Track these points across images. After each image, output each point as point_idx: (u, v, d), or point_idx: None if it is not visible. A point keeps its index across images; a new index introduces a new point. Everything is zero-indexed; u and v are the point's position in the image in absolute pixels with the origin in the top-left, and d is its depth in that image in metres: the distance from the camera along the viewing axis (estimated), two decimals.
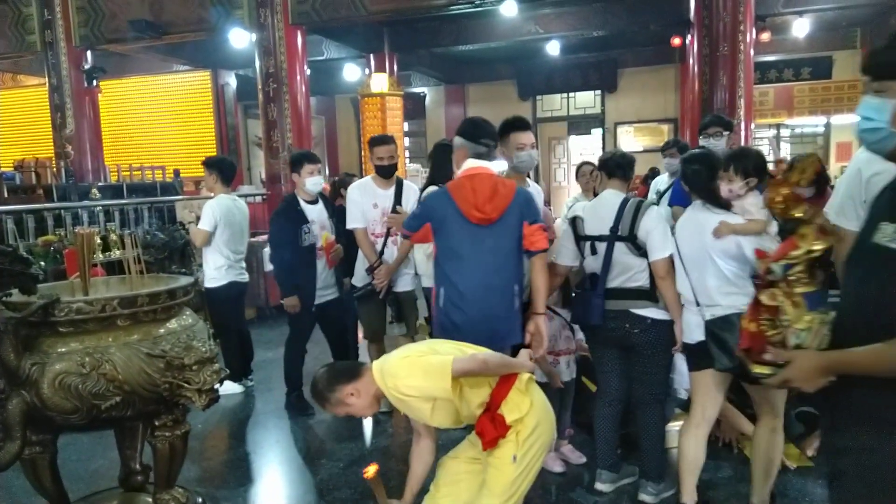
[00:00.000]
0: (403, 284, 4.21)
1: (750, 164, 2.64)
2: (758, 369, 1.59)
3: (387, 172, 4.14)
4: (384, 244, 4.13)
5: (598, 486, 3.14)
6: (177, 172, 10.18)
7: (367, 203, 4.12)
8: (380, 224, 4.13)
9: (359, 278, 4.19)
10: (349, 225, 4.11)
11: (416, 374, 2.13)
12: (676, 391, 3.41)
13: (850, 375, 1.44)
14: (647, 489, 3.02)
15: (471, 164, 2.94)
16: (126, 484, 2.85)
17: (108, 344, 2.26)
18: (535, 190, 3.65)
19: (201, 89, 13.30)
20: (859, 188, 2.32)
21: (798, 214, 1.60)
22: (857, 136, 1.52)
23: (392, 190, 4.16)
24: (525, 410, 2.18)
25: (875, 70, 1.44)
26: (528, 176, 3.75)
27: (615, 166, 3.09)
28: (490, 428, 2.17)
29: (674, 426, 3.55)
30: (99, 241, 4.78)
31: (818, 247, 1.55)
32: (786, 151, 12.61)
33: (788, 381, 1.50)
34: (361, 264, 4.17)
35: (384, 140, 4.23)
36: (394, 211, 4.08)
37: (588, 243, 3.05)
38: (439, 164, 4.04)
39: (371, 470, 2.28)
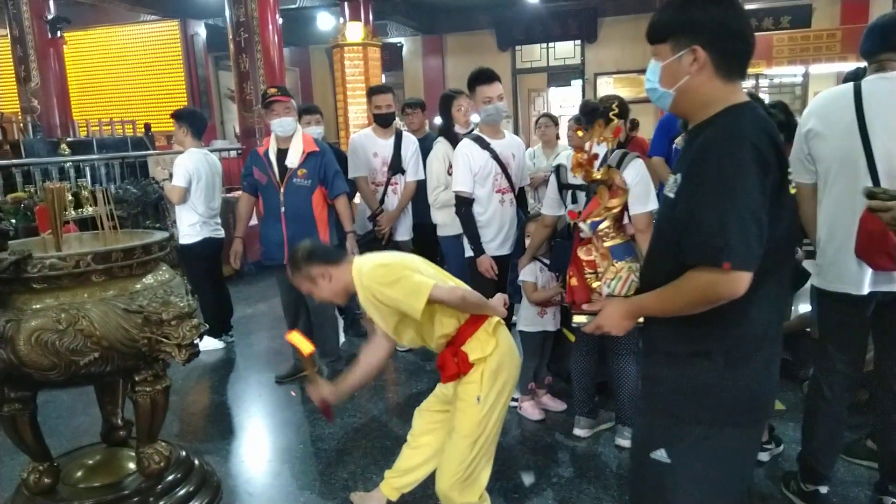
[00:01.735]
0: (402, 233, 4.40)
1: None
2: (577, 318, 1.73)
3: (385, 121, 4.29)
4: (384, 193, 4.30)
5: (577, 431, 3.21)
6: (147, 127, 9.92)
7: (368, 152, 4.27)
8: (380, 173, 4.29)
9: (360, 226, 4.25)
10: (351, 174, 4.22)
11: (393, 284, 2.12)
12: None
13: (650, 317, 1.61)
14: (624, 434, 3.10)
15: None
16: (108, 439, 2.86)
17: (83, 300, 2.23)
18: (516, 143, 3.64)
19: (170, 40, 12.88)
20: (801, 143, 2.44)
21: (597, 176, 1.72)
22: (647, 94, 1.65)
23: (392, 140, 4.30)
24: (489, 351, 2.20)
25: (648, 36, 1.55)
26: (517, 129, 3.78)
27: (590, 115, 3.07)
28: (452, 363, 2.20)
29: None
30: (70, 197, 4.67)
31: (612, 204, 1.69)
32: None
33: (600, 327, 1.64)
34: (362, 213, 4.28)
35: (382, 89, 4.38)
36: (394, 160, 4.25)
37: (569, 192, 3.05)
38: (445, 114, 4.12)
39: (291, 336, 2.29)
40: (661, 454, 1.56)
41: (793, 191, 1.51)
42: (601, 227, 1.72)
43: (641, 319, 1.63)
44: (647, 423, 1.66)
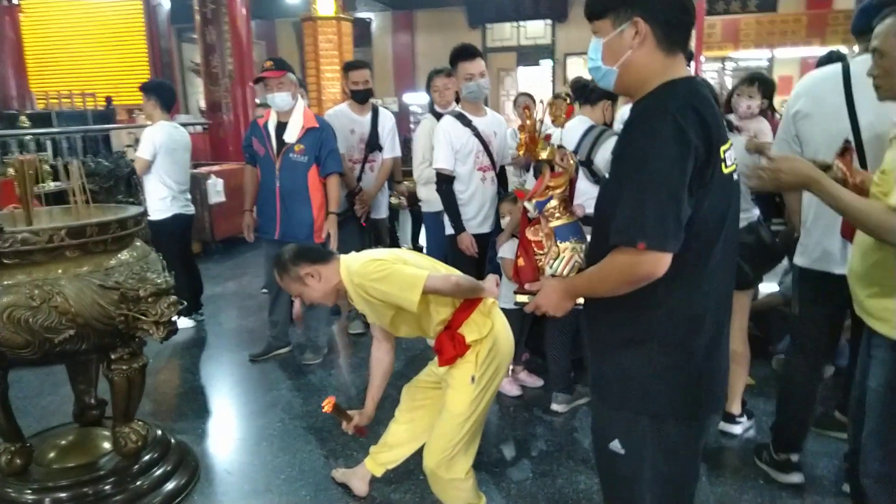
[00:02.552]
0: (380, 211, 4.38)
1: (769, 88, 3.05)
2: (519, 298, 1.72)
3: (362, 97, 4.20)
4: (361, 170, 4.23)
5: (555, 407, 3.25)
6: (108, 100, 9.63)
7: (345, 129, 4.16)
8: (357, 150, 4.22)
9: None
10: None
11: (385, 279, 2.10)
12: None
13: (591, 298, 1.56)
14: None
15: None
16: (81, 419, 2.80)
17: (57, 276, 2.16)
18: (498, 121, 3.63)
19: (132, 11, 12.44)
20: (788, 124, 2.48)
21: (542, 155, 1.70)
22: (590, 74, 1.60)
23: (368, 116, 4.23)
24: (485, 332, 2.20)
25: (587, 12, 1.50)
26: (487, 104, 3.74)
27: (579, 92, 3.09)
28: (449, 346, 2.19)
29: None
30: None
31: (553, 183, 1.67)
32: (730, 85, 12.76)
33: (539, 307, 1.60)
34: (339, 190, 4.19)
35: (359, 65, 4.29)
36: (371, 137, 4.18)
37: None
38: (430, 91, 4.12)
39: (328, 405, 2.31)
40: (616, 445, 1.56)
41: (730, 170, 1.44)
42: (548, 206, 1.69)
43: (581, 301, 1.59)
44: (601, 413, 1.65)
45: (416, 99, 13.10)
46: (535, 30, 14.63)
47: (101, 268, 2.26)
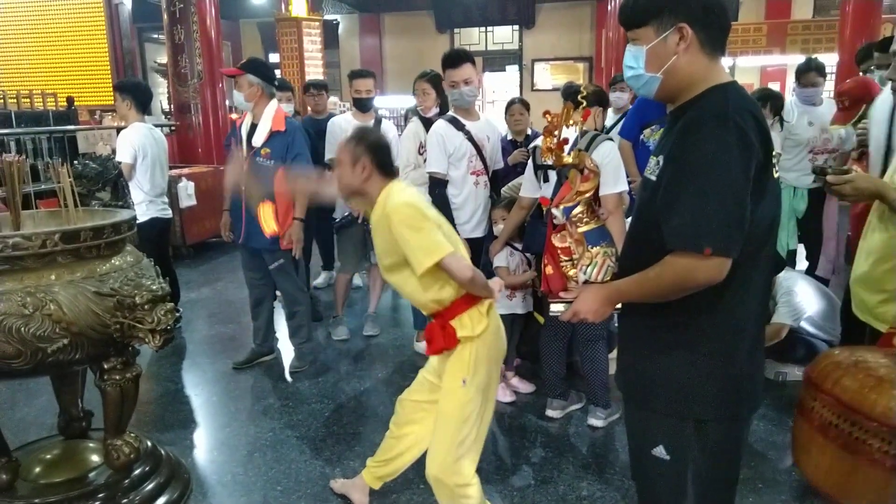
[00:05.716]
0: None
1: (778, 104, 3.25)
2: (554, 307, 1.69)
3: (364, 106, 4.31)
4: None
5: (549, 412, 3.24)
6: (70, 100, 9.33)
7: (344, 135, 4.04)
8: None
9: (338, 210, 4.23)
10: (328, 156, 4.22)
11: (412, 229, 2.03)
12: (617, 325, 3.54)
13: (632, 304, 1.55)
14: (596, 414, 3.15)
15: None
16: (67, 431, 2.68)
17: (50, 282, 2.06)
18: (491, 125, 3.61)
19: (92, 10, 12.11)
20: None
21: (568, 160, 1.68)
22: (627, 83, 1.58)
23: (371, 124, 4.23)
24: (479, 331, 2.15)
25: (625, 21, 1.50)
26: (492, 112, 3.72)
27: (571, 97, 3.09)
28: (439, 336, 2.15)
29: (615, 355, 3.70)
30: None
31: (584, 188, 1.65)
32: None
33: (577, 314, 1.56)
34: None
35: (364, 74, 4.37)
36: None
37: (541, 172, 3.05)
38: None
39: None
40: (660, 451, 1.54)
41: (777, 174, 1.48)
42: (574, 212, 1.66)
43: (619, 305, 1.57)
44: (641, 419, 1.61)
45: (385, 102, 13.02)
46: (503, 35, 14.74)
47: (95, 274, 2.17)
